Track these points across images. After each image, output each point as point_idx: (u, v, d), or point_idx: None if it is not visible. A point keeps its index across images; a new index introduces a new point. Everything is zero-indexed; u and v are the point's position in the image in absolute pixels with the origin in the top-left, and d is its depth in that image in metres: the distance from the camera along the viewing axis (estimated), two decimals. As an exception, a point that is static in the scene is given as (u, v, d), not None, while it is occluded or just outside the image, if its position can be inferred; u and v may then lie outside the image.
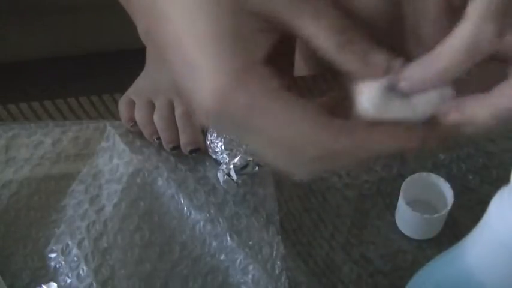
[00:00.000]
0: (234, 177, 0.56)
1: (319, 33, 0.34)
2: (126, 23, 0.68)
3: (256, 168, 0.57)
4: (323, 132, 0.34)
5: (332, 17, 0.34)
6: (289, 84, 0.36)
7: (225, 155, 0.57)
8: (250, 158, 0.57)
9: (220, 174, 0.57)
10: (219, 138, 0.58)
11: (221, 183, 0.57)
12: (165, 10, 0.34)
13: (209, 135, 0.59)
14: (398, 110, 0.36)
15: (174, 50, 0.34)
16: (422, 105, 0.37)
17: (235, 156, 0.56)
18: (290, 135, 0.35)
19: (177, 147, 0.60)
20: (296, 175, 0.36)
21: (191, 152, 0.59)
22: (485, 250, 0.37)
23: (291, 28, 0.34)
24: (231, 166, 0.56)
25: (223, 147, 0.57)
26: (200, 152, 0.59)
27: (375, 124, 0.35)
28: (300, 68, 0.88)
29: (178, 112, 0.60)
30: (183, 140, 0.59)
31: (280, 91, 0.34)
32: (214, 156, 0.58)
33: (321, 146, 0.34)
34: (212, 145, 0.58)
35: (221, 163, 0.57)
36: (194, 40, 0.33)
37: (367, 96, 0.35)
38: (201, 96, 0.33)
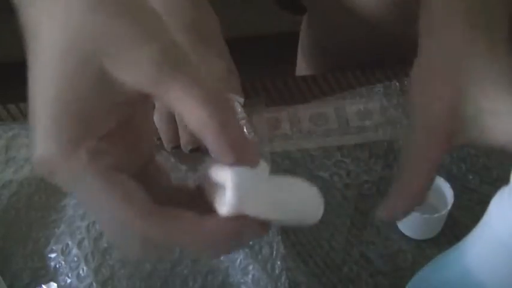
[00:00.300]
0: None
1: (193, 109, 0.31)
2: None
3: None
4: (138, 221, 0.32)
5: (211, 90, 0.31)
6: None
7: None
8: None
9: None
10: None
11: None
12: (33, 49, 0.32)
13: (209, 135, 0.59)
14: (264, 210, 0.34)
15: (30, 89, 0.32)
16: (291, 212, 0.36)
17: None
18: (105, 218, 0.33)
19: (177, 147, 0.60)
20: (126, 252, 0.34)
21: (191, 151, 0.59)
22: (485, 250, 0.37)
23: (160, 100, 0.32)
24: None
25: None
26: (200, 151, 0.59)
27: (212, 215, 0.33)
28: (301, 68, 0.88)
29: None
30: (183, 139, 0.59)
31: (104, 172, 0.32)
32: (214, 155, 0.58)
33: (137, 234, 0.32)
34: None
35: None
36: (42, 100, 0.31)
37: (230, 194, 0.33)
38: (34, 152, 0.32)
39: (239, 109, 0.60)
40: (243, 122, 0.59)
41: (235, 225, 0.33)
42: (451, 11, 0.43)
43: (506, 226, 0.34)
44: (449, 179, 0.53)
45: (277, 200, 0.35)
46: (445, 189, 0.53)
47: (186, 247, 0.34)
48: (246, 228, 0.34)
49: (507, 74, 0.41)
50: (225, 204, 0.33)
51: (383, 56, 0.68)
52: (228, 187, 0.33)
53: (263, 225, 0.35)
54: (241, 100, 0.61)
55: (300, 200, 0.37)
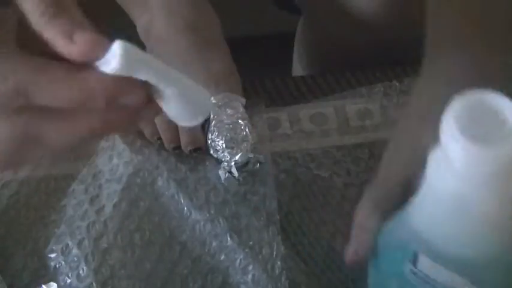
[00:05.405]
0: (236, 174, 0.57)
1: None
2: (126, 23, 0.68)
3: (258, 165, 0.58)
4: None
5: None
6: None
7: (226, 153, 0.57)
8: (251, 155, 0.57)
9: (221, 172, 0.57)
10: (220, 137, 0.58)
11: (222, 181, 0.57)
12: None
13: (210, 134, 0.59)
14: (155, 74, 0.34)
15: None
16: None
17: (236, 154, 0.57)
18: None
19: (178, 147, 0.60)
20: None
21: (192, 151, 0.59)
22: (427, 209, 0.38)
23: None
24: (232, 163, 0.57)
25: (224, 145, 0.58)
26: (201, 152, 0.59)
27: None
28: (296, 73, 0.88)
29: (178, 112, 0.60)
30: (184, 139, 0.59)
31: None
32: (215, 155, 0.59)
33: None
34: (213, 144, 0.58)
35: (222, 161, 0.57)
36: None
37: (118, 52, 0.33)
38: None
39: (241, 109, 0.60)
40: (244, 122, 0.59)
41: (116, 80, 0.33)
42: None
43: (442, 185, 0.35)
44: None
45: (169, 70, 0.35)
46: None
47: (62, 101, 0.34)
48: (129, 88, 0.34)
49: None
50: (110, 63, 0.33)
51: (380, 59, 0.68)
52: (117, 48, 0.33)
53: (143, 90, 0.35)
54: (243, 101, 0.61)
55: (191, 82, 0.36)
